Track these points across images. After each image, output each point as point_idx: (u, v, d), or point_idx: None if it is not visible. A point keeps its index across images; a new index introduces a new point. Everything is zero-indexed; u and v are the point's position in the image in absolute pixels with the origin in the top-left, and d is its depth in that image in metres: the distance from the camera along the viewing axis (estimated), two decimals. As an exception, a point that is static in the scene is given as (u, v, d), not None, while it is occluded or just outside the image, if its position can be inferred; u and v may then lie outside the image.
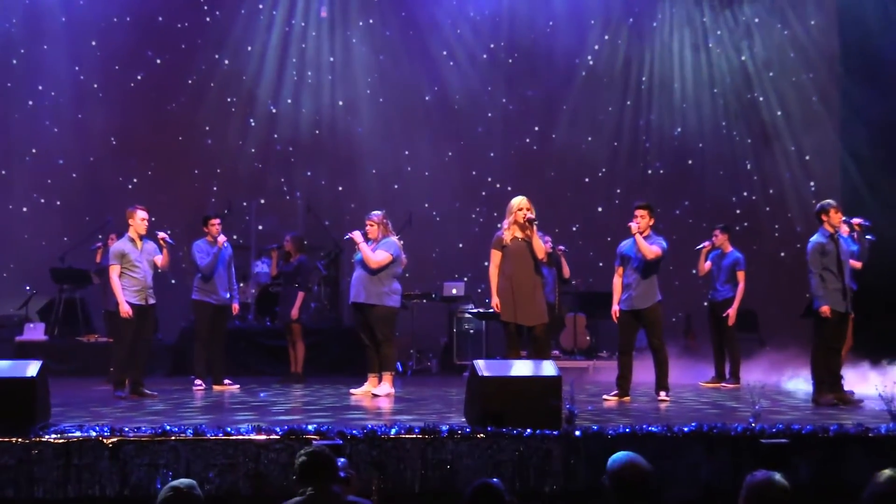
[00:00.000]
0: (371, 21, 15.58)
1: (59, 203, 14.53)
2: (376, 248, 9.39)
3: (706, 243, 11.30)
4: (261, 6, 15.33)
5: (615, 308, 9.17)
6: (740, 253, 11.21)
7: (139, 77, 14.91)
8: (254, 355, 12.77)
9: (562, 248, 12.21)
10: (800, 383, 10.33)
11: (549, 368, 6.62)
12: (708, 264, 11.31)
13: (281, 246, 11.86)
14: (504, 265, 8.39)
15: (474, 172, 15.75)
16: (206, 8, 15.17)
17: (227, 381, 10.48)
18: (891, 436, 6.31)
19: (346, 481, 4.44)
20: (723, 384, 10.96)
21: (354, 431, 5.99)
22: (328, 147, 15.36)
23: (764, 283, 14.04)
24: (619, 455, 3.84)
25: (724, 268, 11.13)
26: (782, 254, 15.72)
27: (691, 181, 15.93)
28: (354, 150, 15.43)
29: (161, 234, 9.49)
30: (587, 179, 16.00)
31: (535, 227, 8.38)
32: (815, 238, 8.72)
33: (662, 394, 8.98)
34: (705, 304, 11.69)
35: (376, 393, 9.25)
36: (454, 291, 13.71)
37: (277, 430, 5.98)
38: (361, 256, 9.36)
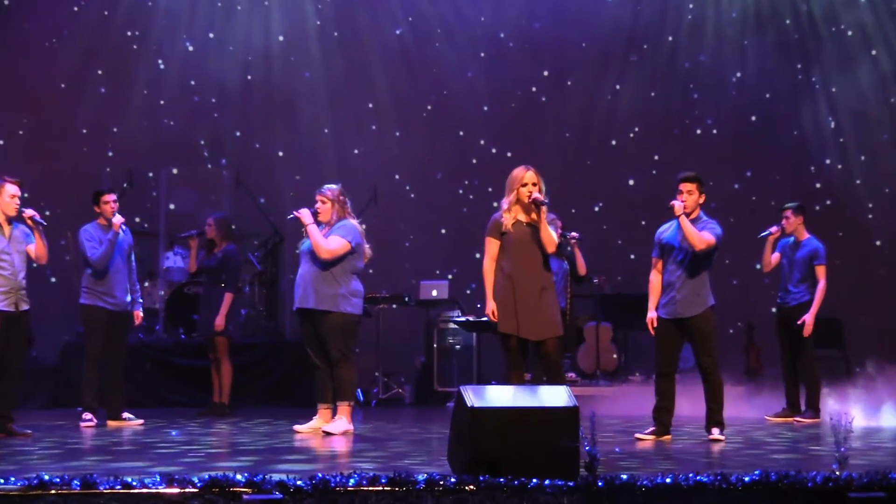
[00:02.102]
0: (321, -75, 15.57)
1: None
2: (330, 233, 9.36)
3: (774, 228, 11.35)
4: None
5: (651, 315, 9.17)
6: (820, 241, 11.26)
7: (6, 2, 14.78)
8: (164, 379, 12.77)
9: (576, 235, 12.02)
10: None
11: (562, 397, 6.60)
12: (776, 257, 11.36)
13: (201, 232, 11.85)
14: (503, 259, 8.40)
15: (462, 133, 15.75)
16: None
17: (126, 415, 10.46)
18: None
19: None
20: (797, 418, 11.03)
21: (300, 482, 5.97)
22: (264, 98, 15.33)
23: (853, 283, 14.09)
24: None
25: (799, 261, 11.18)
26: (878, 242, 15.78)
27: (755, 144, 15.96)
28: (299, 102, 15.40)
29: (28, 212, 9.32)
30: (614, 142, 16.02)
31: (544, 210, 8.40)
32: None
33: (715, 431, 9.00)
34: (773, 310, 11.73)
35: (329, 430, 9.24)
36: (434, 293, 13.74)
37: (195, 480, 5.96)
38: (310, 245, 9.34)
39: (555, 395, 6.63)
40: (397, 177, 15.37)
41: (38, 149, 14.23)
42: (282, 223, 13.13)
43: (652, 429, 9.10)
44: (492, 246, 8.44)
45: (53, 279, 13.67)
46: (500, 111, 15.77)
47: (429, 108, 15.71)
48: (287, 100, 15.38)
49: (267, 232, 14.03)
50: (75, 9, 14.91)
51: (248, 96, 15.30)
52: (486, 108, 15.81)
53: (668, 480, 6.18)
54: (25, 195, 9.55)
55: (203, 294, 11.75)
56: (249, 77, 15.38)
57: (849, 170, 16.05)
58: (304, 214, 9.34)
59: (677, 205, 9.00)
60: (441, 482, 6.03)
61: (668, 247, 9.16)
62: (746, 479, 6.22)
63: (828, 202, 15.70)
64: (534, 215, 8.40)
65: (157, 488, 5.87)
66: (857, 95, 15.97)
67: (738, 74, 16.14)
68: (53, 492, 5.81)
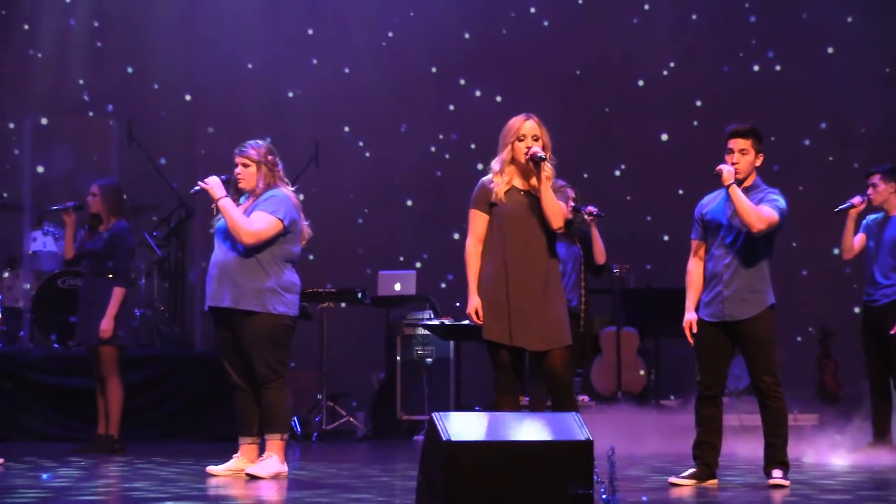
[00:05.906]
0: None
1: None
2: (254, 207, 9.39)
3: (857, 199, 11.40)
4: None
5: (691, 317, 9.21)
6: (920, 217, 11.31)
7: None
8: (29, 404, 12.78)
9: (593, 210, 11.90)
10: None
11: (571, 428, 6.66)
12: (861, 238, 11.47)
13: (81, 204, 11.79)
14: (493, 239, 8.47)
15: (435, 69, 15.86)
16: None
17: (-20, 452, 10.43)
18: None
19: None
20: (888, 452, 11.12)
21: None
22: (165, 19, 15.23)
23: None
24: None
25: (890, 244, 11.26)
26: None
27: (832, 86, 15.78)
28: (215, 26, 15.32)
29: None
30: (641, 82, 16.12)
31: (547, 170, 8.38)
32: None
33: (777, 474, 9.02)
34: (856, 310, 11.94)
35: (255, 473, 9.27)
36: (397, 287, 13.75)
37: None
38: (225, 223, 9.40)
39: (561, 426, 6.67)
40: (347, 129, 15.45)
41: None
42: (190, 193, 13.02)
43: (692, 471, 9.11)
44: (477, 221, 8.47)
45: None
46: (488, 39, 15.75)
47: (390, 34, 15.73)
48: (196, 21, 15.32)
49: (170, 204, 13.99)
50: None
51: (142, 17, 15.18)
52: (467, 36, 15.82)
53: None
54: None
55: (84, 288, 11.72)
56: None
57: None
58: (214, 185, 9.32)
59: (726, 170, 8.93)
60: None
61: (713, 225, 9.15)
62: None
63: (932, 163, 15.76)
64: (534, 180, 8.38)
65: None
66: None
67: (809, -12, 16.06)
68: None
